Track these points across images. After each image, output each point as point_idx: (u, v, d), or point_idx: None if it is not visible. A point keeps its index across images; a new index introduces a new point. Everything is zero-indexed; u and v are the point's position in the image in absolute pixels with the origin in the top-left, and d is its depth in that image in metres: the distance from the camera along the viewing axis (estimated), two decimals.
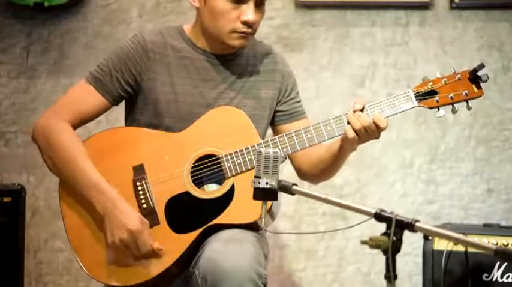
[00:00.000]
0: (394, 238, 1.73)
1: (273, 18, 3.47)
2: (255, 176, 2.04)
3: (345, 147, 2.38)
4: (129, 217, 2.29)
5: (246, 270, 2.17)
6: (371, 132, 2.29)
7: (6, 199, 2.82)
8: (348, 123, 2.30)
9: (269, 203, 2.18)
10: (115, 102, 2.46)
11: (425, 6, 3.45)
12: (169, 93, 2.43)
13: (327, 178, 2.57)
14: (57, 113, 2.44)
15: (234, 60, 2.50)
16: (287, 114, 2.55)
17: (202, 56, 2.47)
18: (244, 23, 2.36)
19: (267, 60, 2.55)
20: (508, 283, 2.86)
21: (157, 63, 2.43)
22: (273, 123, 2.56)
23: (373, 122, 2.28)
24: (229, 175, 2.34)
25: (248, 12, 2.36)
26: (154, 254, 2.30)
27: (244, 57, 2.52)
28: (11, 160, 3.49)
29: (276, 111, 2.55)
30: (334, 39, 3.48)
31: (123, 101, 2.51)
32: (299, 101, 2.59)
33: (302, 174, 2.58)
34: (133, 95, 2.47)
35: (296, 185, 2.00)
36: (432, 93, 2.30)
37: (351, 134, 2.28)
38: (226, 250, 2.20)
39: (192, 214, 2.33)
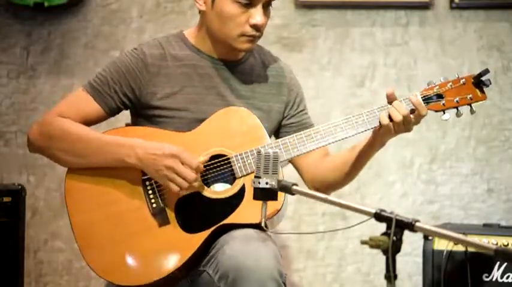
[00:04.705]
0: (394, 238, 1.73)
1: (273, 18, 3.44)
2: (255, 176, 2.04)
3: (376, 142, 2.36)
4: (162, 146, 2.29)
5: (269, 268, 2.16)
6: (407, 123, 2.29)
7: (6, 199, 2.82)
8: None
9: (278, 206, 2.22)
10: (111, 112, 2.45)
11: (425, 6, 3.45)
12: (171, 104, 2.41)
13: (349, 181, 2.51)
14: (51, 115, 2.44)
15: (239, 66, 2.48)
16: (295, 127, 2.52)
17: (206, 62, 2.45)
18: (253, 26, 2.35)
19: (274, 72, 2.54)
20: (508, 283, 2.86)
21: (157, 76, 2.42)
22: (282, 136, 2.51)
23: (414, 107, 2.29)
24: (240, 175, 2.33)
25: (257, 15, 2.34)
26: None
27: (250, 64, 2.51)
28: (11, 160, 3.49)
29: (284, 125, 2.53)
30: (334, 39, 3.48)
31: (124, 110, 2.49)
32: (307, 113, 2.57)
33: (319, 184, 2.52)
34: (132, 108, 2.47)
35: (296, 185, 2.00)
36: (439, 96, 2.35)
37: (385, 121, 2.28)
38: (247, 249, 2.19)
39: (202, 214, 2.31)
